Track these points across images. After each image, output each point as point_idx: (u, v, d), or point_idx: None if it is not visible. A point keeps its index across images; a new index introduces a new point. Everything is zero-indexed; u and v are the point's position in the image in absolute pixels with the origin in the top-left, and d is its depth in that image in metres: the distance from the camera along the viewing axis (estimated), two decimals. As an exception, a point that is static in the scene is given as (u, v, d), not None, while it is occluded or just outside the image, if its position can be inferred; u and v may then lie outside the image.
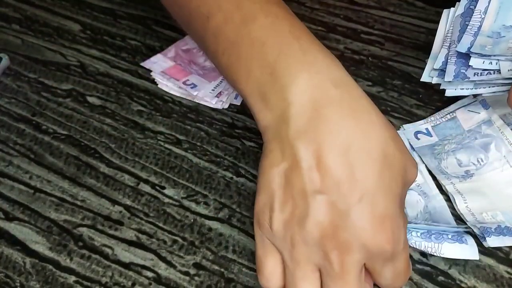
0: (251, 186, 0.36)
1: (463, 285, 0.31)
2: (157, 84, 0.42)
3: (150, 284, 0.32)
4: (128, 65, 0.44)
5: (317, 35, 0.47)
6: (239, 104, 0.41)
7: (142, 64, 0.43)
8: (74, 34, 0.47)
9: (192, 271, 0.32)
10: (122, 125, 0.40)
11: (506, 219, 0.32)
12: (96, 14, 0.49)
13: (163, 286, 0.31)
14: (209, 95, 0.40)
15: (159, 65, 0.43)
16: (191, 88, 0.41)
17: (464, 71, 0.30)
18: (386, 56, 0.43)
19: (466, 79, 0.31)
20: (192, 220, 0.34)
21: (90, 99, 0.42)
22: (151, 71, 0.43)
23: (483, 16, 0.29)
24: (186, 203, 0.35)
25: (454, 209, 0.33)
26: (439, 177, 0.35)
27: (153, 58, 0.44)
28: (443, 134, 0.36)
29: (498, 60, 0.30)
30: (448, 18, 0.31)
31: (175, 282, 0.32)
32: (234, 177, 0.36)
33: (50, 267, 0.32)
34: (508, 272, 0.31)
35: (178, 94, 0.42)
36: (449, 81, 0.31)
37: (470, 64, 0.30)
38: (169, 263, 0.32)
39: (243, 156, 0.38)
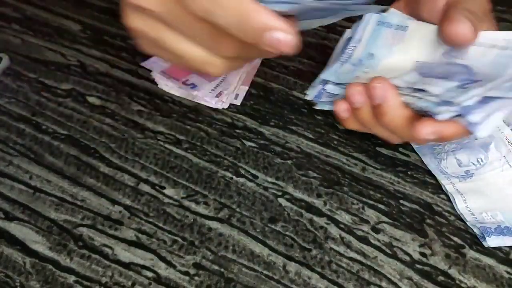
0: (251, 186, 0.36)
1: (463, 285, 0.31)
2: (157, 84, 0.42)
3: (150, 284, 0.32)
4: (128, 65, 0.44)
5: (317, 35, 0.47)
6: (239, 104, 0.41)
7: (142, 64, 0.43)
8: (74, 34, 0.47)
9: (192, 271, 0.32)
10: (122, 125, 0.40)
11: (506, 219, 0.32)
12: (96, 14, 0.49)
13: (163, 286, 0.31)
14: (209, 95, 0.40)
15: (159, 65, 0.43)
16: (191, 88, 0.41)
17: (322, 92, 0.34)
18: (386, 56, 0.43)
19: (319, 100, 0.35)
20: (192, 220, 0.34)
21: (90, 99, 0.42)
22: (151, 71, 0.43)
23: (356, 45, 0.33)
24: (186, 203, 0.35)
25: None
26: (439, 177, 0.35)
27: (153, 58, 0.44)
28: (443, 134, 0.36)
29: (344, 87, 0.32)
30: (341, 39, 0.36)
31: (175, 282, 0.32)
32: (234, 177, 0.36)
33: (50, 267, 0.32)
34: (508, 272, 0.31)
35: (178, 94, 0.42)
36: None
37: (324, 88, 0.34)
38: (169, 263, 0.32)
39: (242, 156, 0.38)
